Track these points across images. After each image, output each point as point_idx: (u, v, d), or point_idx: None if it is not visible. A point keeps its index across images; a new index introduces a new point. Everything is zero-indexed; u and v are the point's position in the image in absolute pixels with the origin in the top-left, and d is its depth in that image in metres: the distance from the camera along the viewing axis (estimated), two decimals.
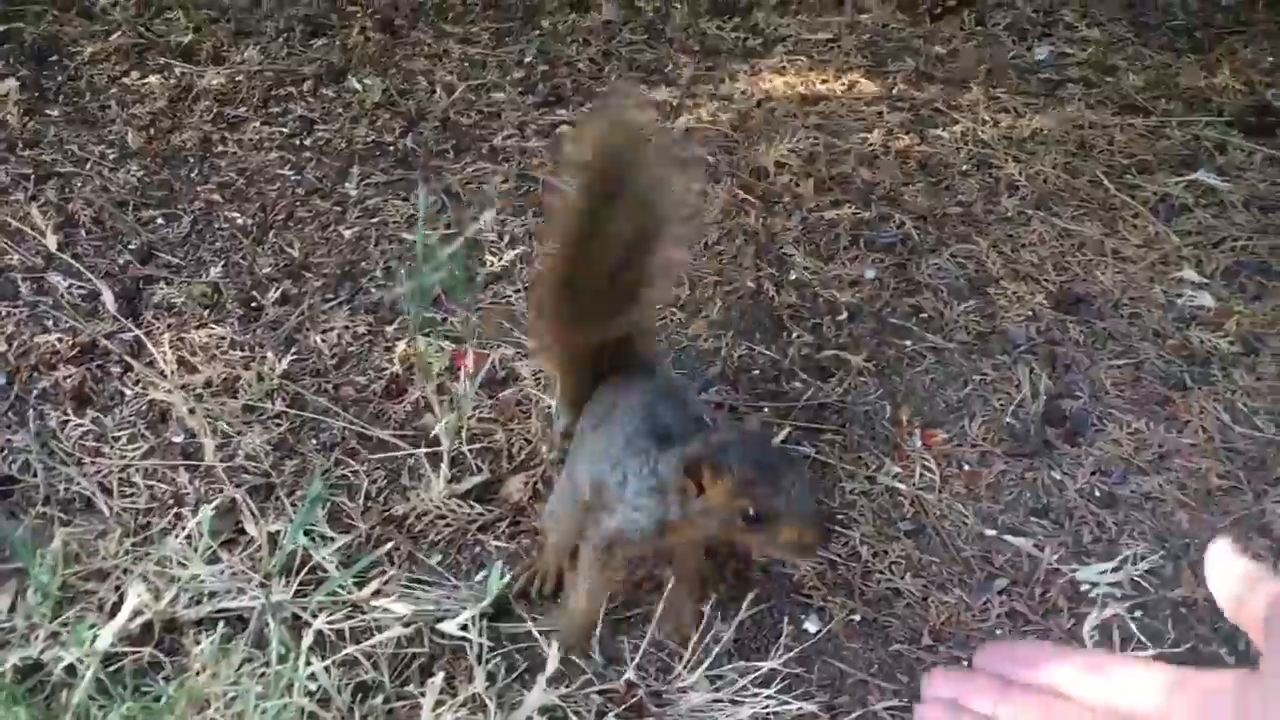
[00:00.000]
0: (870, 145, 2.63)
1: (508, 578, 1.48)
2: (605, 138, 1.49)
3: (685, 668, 1.52)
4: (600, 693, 1.51)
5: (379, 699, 1.47)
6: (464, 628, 1.44)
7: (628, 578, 1.66)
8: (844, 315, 2.18)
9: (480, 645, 1.44)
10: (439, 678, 1.37)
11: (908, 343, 2.12)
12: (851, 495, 1.84)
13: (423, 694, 1.43)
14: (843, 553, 1.75)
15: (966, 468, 1.90)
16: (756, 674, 1.51)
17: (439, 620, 1.52)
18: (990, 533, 1.80)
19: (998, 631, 1.65)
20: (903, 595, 1.70)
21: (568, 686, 1.51)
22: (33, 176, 2.45)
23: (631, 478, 1.48)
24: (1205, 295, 2.23)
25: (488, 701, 1.42)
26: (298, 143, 2.66)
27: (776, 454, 1.43)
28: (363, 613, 1.54)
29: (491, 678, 1.47)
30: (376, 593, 1.53)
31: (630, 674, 1.51)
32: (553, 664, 1.41)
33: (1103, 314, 2.20)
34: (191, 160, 2.57)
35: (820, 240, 2.36)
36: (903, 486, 1.85)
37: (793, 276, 2.27)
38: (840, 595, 1.69)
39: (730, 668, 1.54)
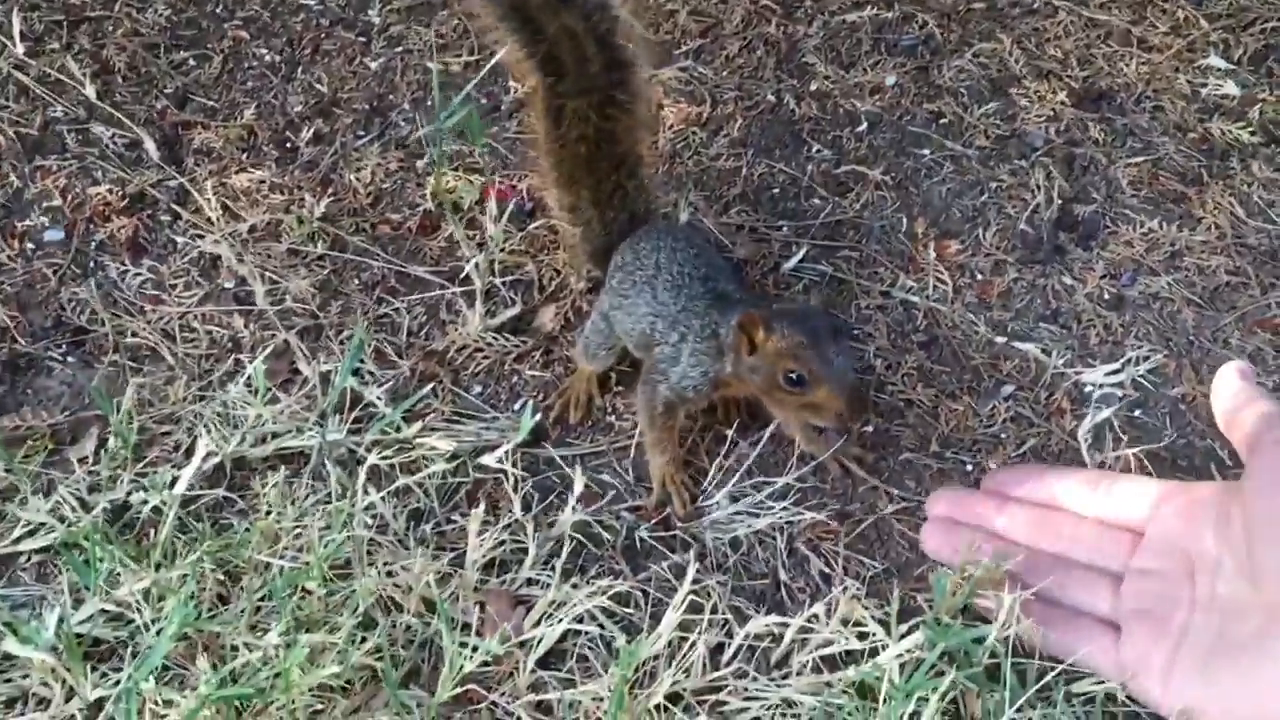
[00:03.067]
0: None
1: (539, 416, 1.61)
2: None
3: (711, 485, 1.66)
4: (630, 509, 1.65)
5: (430, 525, 1.62)
6: (501, 460, 1.59)
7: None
8: (864, 126, 2.20)
9: (515, 476, 1.58)
10: (481, 508, 1.52)
11: (926, 152, 2.14)
12: (867, 310, 1.92)
13: (469, 519, 1.58)
14: (859, 367, 1.84)
15: (979, 277, 1.96)
16: (772, 489, 1.64)
17: (479, 453, 1.66)
18: (1000, 340, 1.88)
19: (1002, 436, 1.76)
20: (914, 405, 1.80)
21: (599, 504, 1.65)
22: (65, 23, 2.49)
23: (691, 337, 1.60)
24: (1230, 84, 2.21)
25: (525, 525, 1.57)
26: None
27: (828, 327, 1.54)
28: (411, 448, 1.68)
29: (528, 504, 1.61)
30: (422, 430, 1.66)
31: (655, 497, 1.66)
32: (579, 485, 1.56)
33: (1124, 109, 2.20)
34: None
35: (841, 46, 2.35)
36: (917, 299, 1.93)
37: (813, 87, 2.29)
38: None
39: (750, 483, 1.67)
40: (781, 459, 1.73)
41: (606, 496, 1.65)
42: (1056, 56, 2.30)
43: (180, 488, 1.56)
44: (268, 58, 2.45)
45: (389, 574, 1.49)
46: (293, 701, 1.34)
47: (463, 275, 1.94)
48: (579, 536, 1.59)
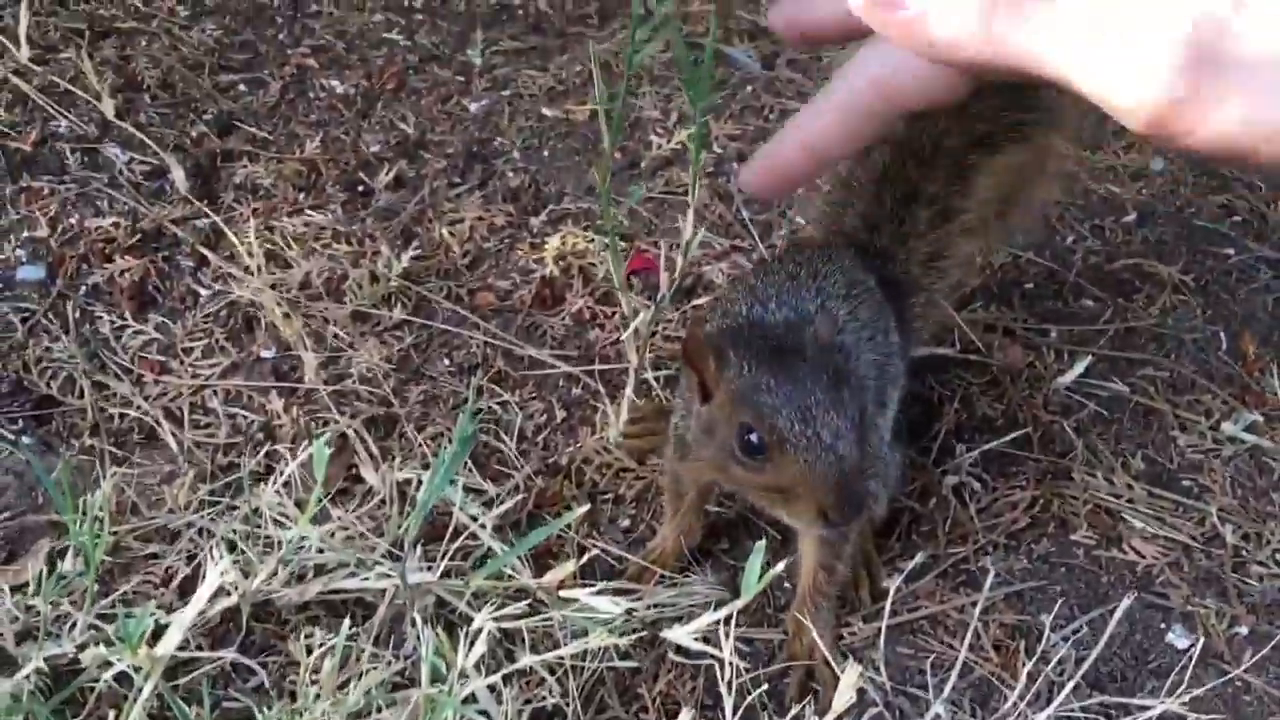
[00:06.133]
0: None
1: (776, 567, 0.96)
2: None
3: (1024, 701, 1.02)
4: None
5: None
6: (704, 638, 0.96)
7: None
8: (1131, 216, 1.65)
9: (733, 665, 0.94)
10: (686, 716, 0.88)
11: (1229, 252, 1.58)
12: (1195, 454, 1.32)
13: None
14: (1198, 534, 1.23)
15: None
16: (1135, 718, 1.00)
17: (655, 623, 1.03)
18: None
19: None
20: None
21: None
22: (86, 32, 1.97)
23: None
24: None
25: None
26: (406, 3, 2.15)
27: (822, 367, 0.96)
28: (543, 607, 1.05)
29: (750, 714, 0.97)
30: (564, 583, 1.04)
31: (938, 708, 1.02)
32: (842, 698, 0.92)
33: None
34: (279, 20, 2.08)
35: (1081, 123, 1.82)
36: (1266, 442, 1.33)
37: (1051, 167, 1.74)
38: (1210, 596, 1.18)
39: (1095, 704, 1.03)
40: (1120, 667, 1.10)
41: (867, 709, 1.01)
42: None
43: (169, 645, 0.92)
44: (340, 90, 1.92)
45: None
46: None
47: (597, 354, 1.36)
48: None
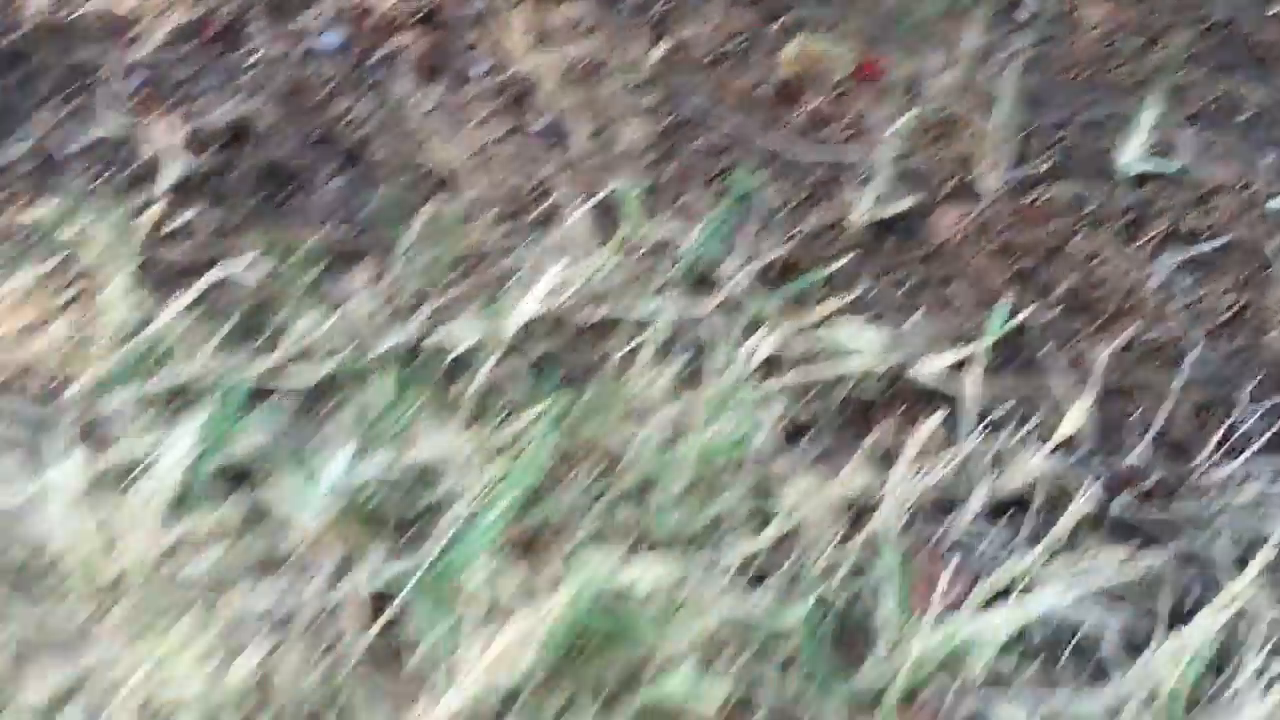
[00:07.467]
0: None
1: (1019, 316, 1.12)
2: None
3: (1206, 464, 1.18)
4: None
5: (818, 445, 1.18)
6: (945, 375, 1.13)
7: None
8: None
9: (973, 397, 1.12)
10: (931, 421, 1.07)
11: None
12: None
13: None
14: None
15: None
16: None
17: (904, 364, 1.21)
18: None
19: None
20: None
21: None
22: None
23: None
24: None
25: (974, 461, 1.11)
26: None
27: None
28: (805, 342, 1.24)
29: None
30: (826, 319, 1.22)
31: (1133, 459, 1.18)
32: (1072, 423, 1.09)
33: None
34: None
35: None
36: None
37: (1273, 11, 1.81)
38: None
39: (1276, 469, 1.19)
40: None
41: (1078, 448, 1.18)
42: None
43: (518, 319, 1.14)
44: None
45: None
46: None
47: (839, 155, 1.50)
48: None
